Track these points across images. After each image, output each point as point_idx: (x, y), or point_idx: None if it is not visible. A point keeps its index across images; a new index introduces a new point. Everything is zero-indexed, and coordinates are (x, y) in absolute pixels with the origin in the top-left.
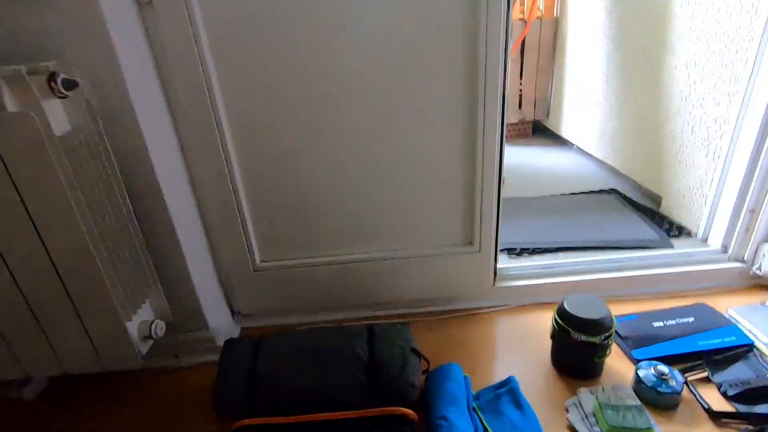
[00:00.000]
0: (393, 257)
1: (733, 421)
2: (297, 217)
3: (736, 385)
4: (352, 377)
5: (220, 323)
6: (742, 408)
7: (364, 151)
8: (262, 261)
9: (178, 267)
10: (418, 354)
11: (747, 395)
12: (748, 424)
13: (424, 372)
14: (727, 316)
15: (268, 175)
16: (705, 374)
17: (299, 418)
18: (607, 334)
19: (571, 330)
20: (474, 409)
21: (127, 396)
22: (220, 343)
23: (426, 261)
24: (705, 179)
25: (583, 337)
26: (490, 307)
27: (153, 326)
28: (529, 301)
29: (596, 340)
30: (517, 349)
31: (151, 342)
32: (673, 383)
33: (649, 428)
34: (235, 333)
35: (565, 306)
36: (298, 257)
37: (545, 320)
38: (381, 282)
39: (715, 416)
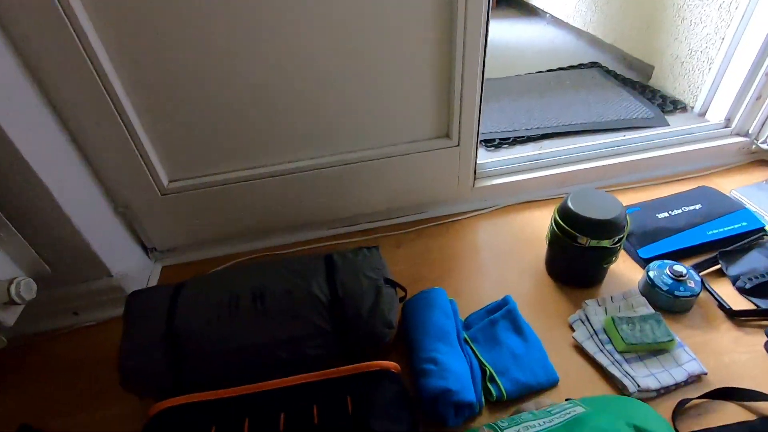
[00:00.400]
0: (348, 161)
1: (753, 318)
2: (214, 117)
3: (754, 277)
4: (311, 326)
5: (129, 266)
6: (762, 303)
7: (307, 18)
8: (171, 181)
9: (35, 196)
10: (393, 284)
11: (766, 287)
12: None
13: (399, 301)
14: (733, 199)
15: (163, 53)
16: (717, 267)
17: (242, 390)
18: (621, 236)
19: (577, 234)
20: (465, 340)
21: (16, 370)
22: (134, 289)
23: (391, 162)
24: (713, 39)
25: (593, 242)
26: (470, 212)
27: (13, 286)
28: (513, 201)
29: (607, 243)
30: (506, 260)
31: (19, 307)
32: (691, 284)
33: (671, 340)
34: (155, 275)
35: (569, 204)
36: (222, 171)
37: (534, 222)
38: (335, 193)
39: (734, 315)
